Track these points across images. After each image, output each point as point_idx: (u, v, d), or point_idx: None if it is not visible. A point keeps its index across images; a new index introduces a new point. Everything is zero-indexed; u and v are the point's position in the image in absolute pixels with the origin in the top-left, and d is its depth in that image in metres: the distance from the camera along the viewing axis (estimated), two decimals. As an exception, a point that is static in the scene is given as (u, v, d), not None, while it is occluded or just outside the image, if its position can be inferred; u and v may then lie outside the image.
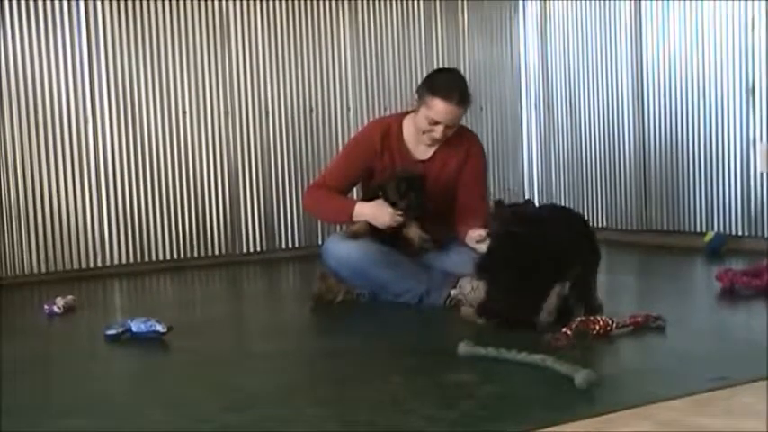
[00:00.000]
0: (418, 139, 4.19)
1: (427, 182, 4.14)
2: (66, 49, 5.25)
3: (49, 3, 5.20)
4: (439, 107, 4.04)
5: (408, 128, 4.23)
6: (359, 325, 3.86)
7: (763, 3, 5.10)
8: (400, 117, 4.31)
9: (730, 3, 5.25)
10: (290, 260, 5.74)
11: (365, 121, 5.54)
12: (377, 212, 4.07)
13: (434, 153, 4.22)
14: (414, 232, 4.10)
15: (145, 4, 5.44)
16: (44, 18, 5.19)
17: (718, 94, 5.36)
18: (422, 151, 4.23)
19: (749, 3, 5.16)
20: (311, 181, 5.77)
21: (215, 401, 2.70)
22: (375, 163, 4.21)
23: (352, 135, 4.76)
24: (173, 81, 5.53)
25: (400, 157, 4.21)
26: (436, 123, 4.07)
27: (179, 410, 2.64)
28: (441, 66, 6.14)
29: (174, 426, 2.50)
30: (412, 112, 4.23)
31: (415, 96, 4.18)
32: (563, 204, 5.60)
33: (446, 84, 4.09)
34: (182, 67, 5.55)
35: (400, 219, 4.03)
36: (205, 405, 2.68)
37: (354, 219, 4.10)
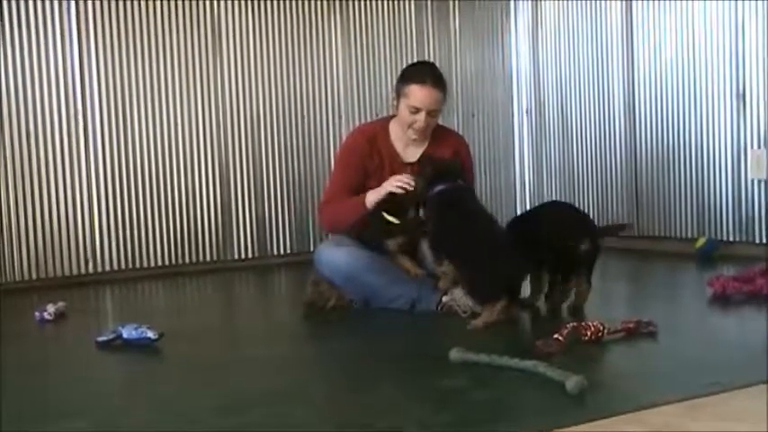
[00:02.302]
0: (406, 138, 4.22)
1: None
2: (58, 57, 5.24)
3: (40, 10, 5.19)
4: (416, 92, 4.10)
5: (395, 130, 4.25)
6: (351, 331, 3.85)
7: (754, 7, 5.12)
8: (385, 121, 4.34)
9: (721, 8, 5.27)
10: (282, 266, 5.73)
11: (357, 128, 5.54)
12: (383, 187, 4.07)
13: (422, 156, 4.23)
14: (408, 264, 4.10)
15: (136, 11, 5.43)
16: (35, 26, 5.18)
17: (709, 99, 5.38)
18: (410, 153, 4.25)
19: (739, 8, 5.18)
20: (302, 186, 5.82)
21: (207, 407, 2.70)
22: (367, 164, 4.22)
23: (339, 147, 4.74)
24: (164, 88, 5.53)
25: (389, 159, 4.23)
26: (417, 111, 4.11)
27: (171, 416, 2.63)
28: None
29: (166, 431, 2.50)
30: (395, 116, 4.25)
31: (393, 96, 4.24)
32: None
33: (417, 70, 4.22)
34: (173, 74, 5.55)
35: (410, 182, 3.99)
36: (198, 411, 2.68)
37: (368, 206, 4.10)
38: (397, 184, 4.03)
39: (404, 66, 5.98)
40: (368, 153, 4.22)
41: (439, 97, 4.13)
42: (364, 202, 4.12)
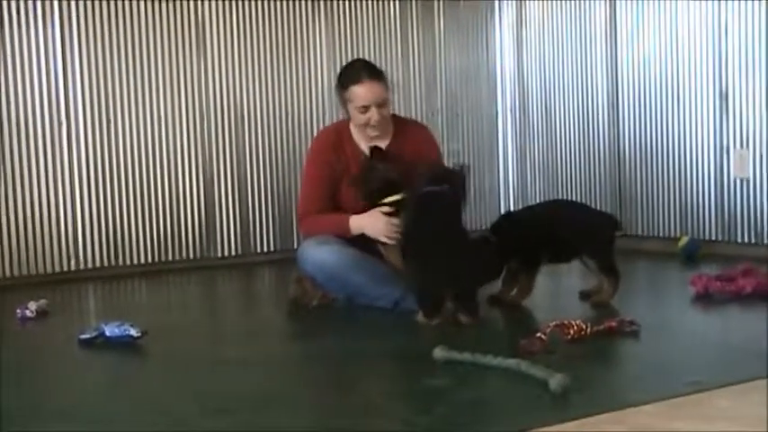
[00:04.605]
0: (367, 137, 4.22)
1: None
2: (41, 54, 5.21)
3: (22, 5, 5.16)
4: (357, 92, 4.12)
5: (355, 130, 4.26)
6: (335, 329, 3.85)
7: (737, 7, 5.14)
8: (345, 122, 4.33)
9: (704, 8, 5.29)
10: (266, 264, 5.72)
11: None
12: (374, 223, 4.03)
13: (387, 149, 4.21)
14: (395, 257, 4.09)
15: (120, 7, 5.41)
16: (17, 22, 5.15)
17: (692, 98, 5.40)
18: None
19: (722, 8, 5.20)
20: (285, 183, 5.80)
21: (191, 406, 2.69)
22: (334, 165, 4.22)
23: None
24: (148, 84, 5.50)
25: (355, 158, 4.22)
26: (366, 108, 4.11)
27: (154, 415, 2.63)
28: (417, 70, 6.18)
29: (149, 430, 2.49)
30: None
31: (340, 104, 4.27)
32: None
33: (350, 71, 4.23)
34: (157, 71, 5.52)
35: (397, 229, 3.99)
36: (181, 410, 2.67)
37: (353, 232, 4.09)
38: (388, 233, 3.98)
39: (388, 63, 6.05)
40: (334, 153, 4.22)
41: (380, 88, 4.13)
42: (347, 228, 4.09)
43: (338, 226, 4.13)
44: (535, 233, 3.96)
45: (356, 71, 4.17)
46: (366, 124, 4.14)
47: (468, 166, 3.95)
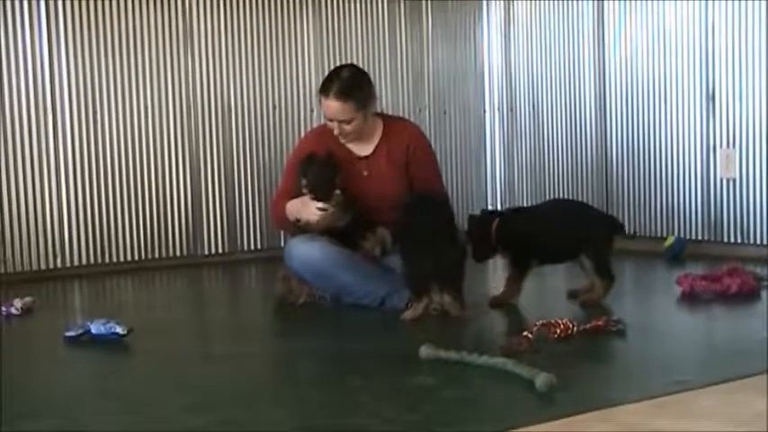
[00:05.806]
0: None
1: (374, 178, 4.18)
2: (27, 51, 5.17)
3: (8, 0, 5.14)
4: (322, 103, 4.14)
5: None
6: (320, 327, 3.85)
7: (724, 7, 5.15)
8: None
9: (691, 8, 5.30)
10: (252, 262, 5.71)
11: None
12: (300, 208, 4.09)
13: (376, 148, 4.23)
14: (370, 244, 4.12)
15: (107, 2, 5.38)
16: (3, 12, 5.12)
17: (679, 98, 5.41)
18: (361, 148, 4.25)
19: (710, 8, 5.21)
20: (273, 182, 5.79)
21: (175, 403, 2.69)
22: None
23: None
24: (134, 80, 5.48)
25: (344, 158, 4.21)
26: (330, 120, 4.14)
27: (139, 412, 2.63)
28: (405, 68, 6.18)
29: (134, 428, 2.49)
30: None
31: None
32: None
33: (326, 80, 4.20)
34: (144, 66, 5.50)
35: (323, 211, 4.03)
36: (166, 407, 2.67)
37: (288, 216, 4.14)
38: (310, 216, 4.06)
39: (376, 61, 6.07)
40: (317, 148, 4.22)
41: (340, 108, 4.08)
42: (285, 212, 4.17)
43: (284, 213, 4.18)
44: (535, 232, 3.95)
45: (329, 83, 4.14)
46: (335, 132, 4.17)
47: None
